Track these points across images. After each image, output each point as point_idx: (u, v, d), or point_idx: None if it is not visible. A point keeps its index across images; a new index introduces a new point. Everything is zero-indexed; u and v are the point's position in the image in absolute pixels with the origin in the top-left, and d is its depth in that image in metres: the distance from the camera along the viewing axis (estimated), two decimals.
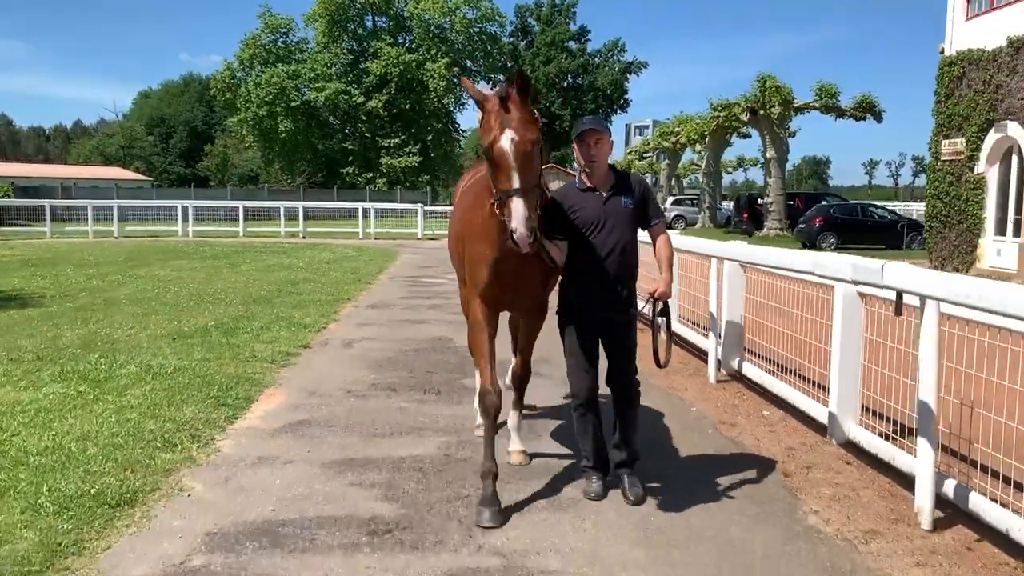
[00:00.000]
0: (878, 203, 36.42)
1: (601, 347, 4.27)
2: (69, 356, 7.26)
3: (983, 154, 18.19)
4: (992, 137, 17.87)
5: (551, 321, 4.42)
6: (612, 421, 4.30)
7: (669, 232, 4.41)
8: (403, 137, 64.79)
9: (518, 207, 3.44)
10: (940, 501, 3.94)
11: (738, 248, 6.68)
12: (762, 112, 29.81)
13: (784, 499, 4.23)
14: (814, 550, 3.60)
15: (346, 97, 62.95)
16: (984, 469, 3.92)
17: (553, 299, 4.36)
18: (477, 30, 68.33)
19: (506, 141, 3.51)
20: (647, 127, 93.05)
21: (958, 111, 18.95)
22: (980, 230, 18.54)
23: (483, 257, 4.04)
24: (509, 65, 73.26)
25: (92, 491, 3.98)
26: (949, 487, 3.93)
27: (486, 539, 3.66)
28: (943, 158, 19.62)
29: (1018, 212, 17.32)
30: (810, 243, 26.14)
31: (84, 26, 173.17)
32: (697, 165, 44.02)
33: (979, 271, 18.21)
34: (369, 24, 67.50)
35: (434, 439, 5.12)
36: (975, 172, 18.50)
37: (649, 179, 64.24)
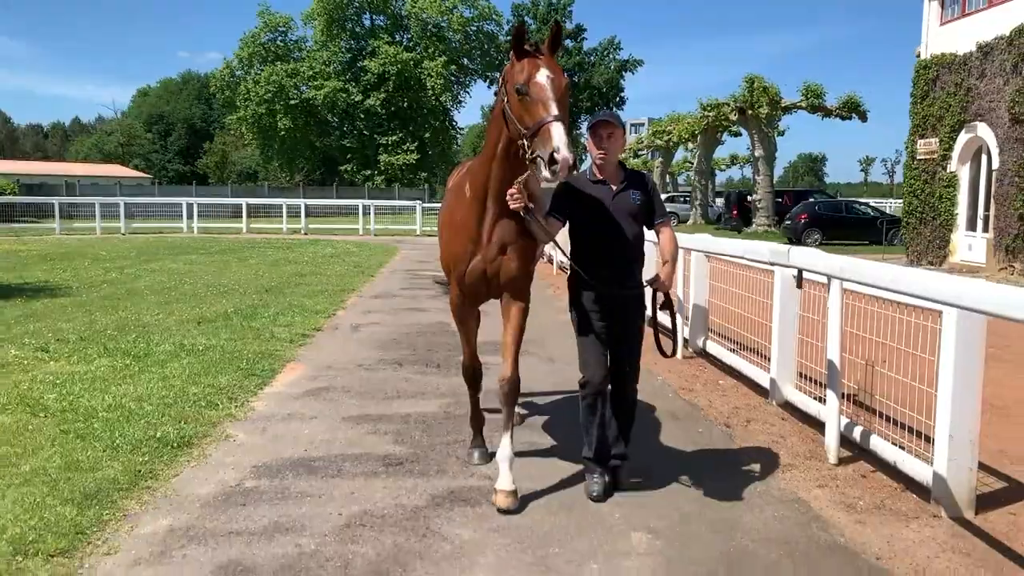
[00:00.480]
0: (862, 200, 37.38)
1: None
2: (108, 337, 8.15)
3: (955, 153, 19.11)
4: (963, 137, 18.79)
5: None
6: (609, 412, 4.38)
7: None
8: (401, 135, 65.44)
9: (558, 129, 3.46)
10: (847, 443, 4.86)
11: (702, 239, 7.59)
12: (750, 112, 30.73)
13: (723, 443, 5.15)
14: (740, 477, 4.51)
15: (344, 95, 63.62)
16: (883, 416, 4.83)
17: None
18: (474, 29, 68.98)
19: (543, 76, 3.58)
20: (643, 125, 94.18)
21: (932, 112, 19.87)
22: (952, 226, 19.47)
23: (463, 248, 4.15)
24: (506, 63, 74.06)
25: (156, 436, 4.88)
26: (856, 432, 4.85)
27: (478, 469, 4.56)
28: (919, 157, 20.54)
29: (986, 209, 18.24)
30: (796, 239, 27.06)
31: (81, 24, 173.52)
32: (690, 163, 44.91)
33: (951, 265, 19.16)
34: (367, 23, 68.10)
35: (435, 401, 6.03)
36: (948, 171, 19.43)
37: None
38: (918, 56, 20.84)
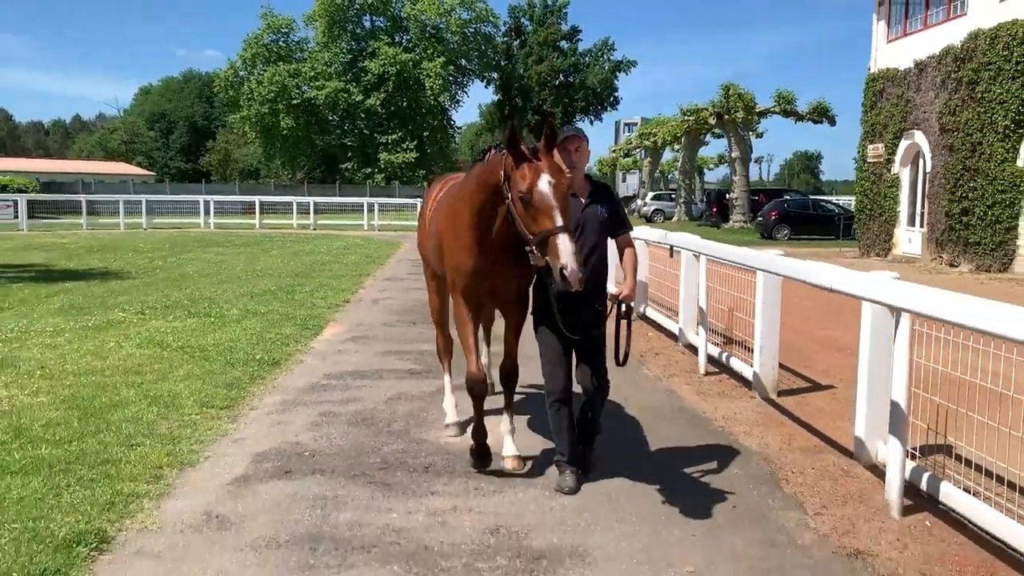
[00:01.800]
0: (828, 198, 39.93)
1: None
2: (185, 306, 10.54)
3: (897, 157, 21.56)
4: (904, 143, 21.23)
5: None
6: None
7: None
8: (400, 133, 67.43)
9: (565, 243, 3.61)
10: (714, 363, 7.30)
11: (644, 231, 10.02)
12: (727, 117, 33.15)
13: (636, 365, 7.57)
14: (640, 382, 6.93)
15: (345, 95, 65.64)
16: (735, 343, 7.28)
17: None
18: (472, 30, 71.01)
19: (544, 184, 3.70)
20: (636, 124, 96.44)
21: (879, 120, 22.31)
22: (896, 222, 21.93)
23: (465, 265, 4.32)
24: (503, 64, 76.15)
25: (256, 358, 7.31)
26: (719, 354, 7.28)
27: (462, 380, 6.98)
28: (868, 160, 22.99)
29: (922, 206, 20.67)
30: (767, 234, 29.53)
31: (79, 21, 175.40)
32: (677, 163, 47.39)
33: (895, 256, 21.62)
34: (367, 24, 69.96)
35: None
36: (891, 173, 21.88)
37: (635, 175, 67.51)
38: (869, 70, 23.27)
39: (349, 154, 69.28)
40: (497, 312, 5.39)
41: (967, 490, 3.93)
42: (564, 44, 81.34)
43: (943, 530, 3.93)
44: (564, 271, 3.58)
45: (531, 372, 5.33)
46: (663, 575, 3.43)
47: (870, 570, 3.52)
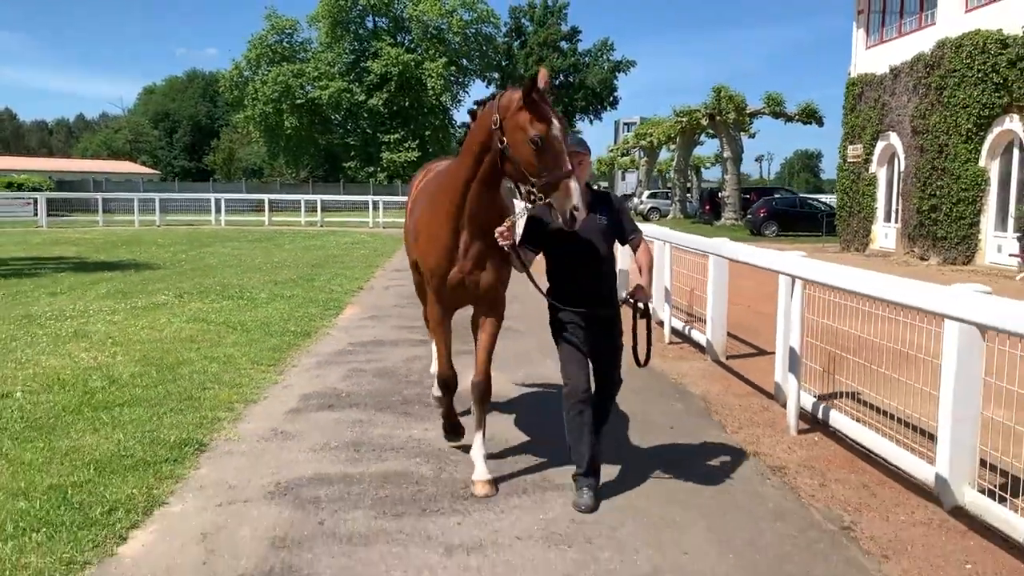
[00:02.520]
0: (815, 196, 41.26)
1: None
2: (217, 291, 11.85)
3: (875, 158, 22.86)
4: (880, 144, 22.53)
5: None
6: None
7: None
8: (402, 133, 68.65)
9: (576, 186, 3.71)
10: (678, 335, 8.61)
11: None
12: (719, 118, 34.42)
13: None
14: None
15: (348, 95, 66.85)
16: (695, 318, 8.59)
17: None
18: (473, 31, 72.16)
19: (557, 130, 3.75)
20: (635, 123, 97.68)
21: (858, 123, 23.60)
22: (873, 218, 23.23)
23: (440, 260, 4.27)
24: (504, 64, 77.34)
25: (290, 330, 8.64)
26: (684, 328, 8.59)
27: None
28: (848, 160, 24.28)
29: (897, 204, 21.97)
30: (756, 230, 30.81)
31: (80, 20, 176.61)
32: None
33: (872, 251, 22.92)
34: (370, 25, 71.13)
35: None
36: (869, 172, 23.17)
37: (633, 174, 68.71)
38: (849, 74, 24.55)
39: (352, 153, 70.50)
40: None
41: (849, 415, 5.25)
42: (564, 44, 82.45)
43: (825, 443, 5.25)
44: (575, 212, 3.68)
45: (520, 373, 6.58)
46: (621, 455, 4.74)
47: (763, 463, 4.84)
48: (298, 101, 66.53)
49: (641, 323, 4.43)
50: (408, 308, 10.79)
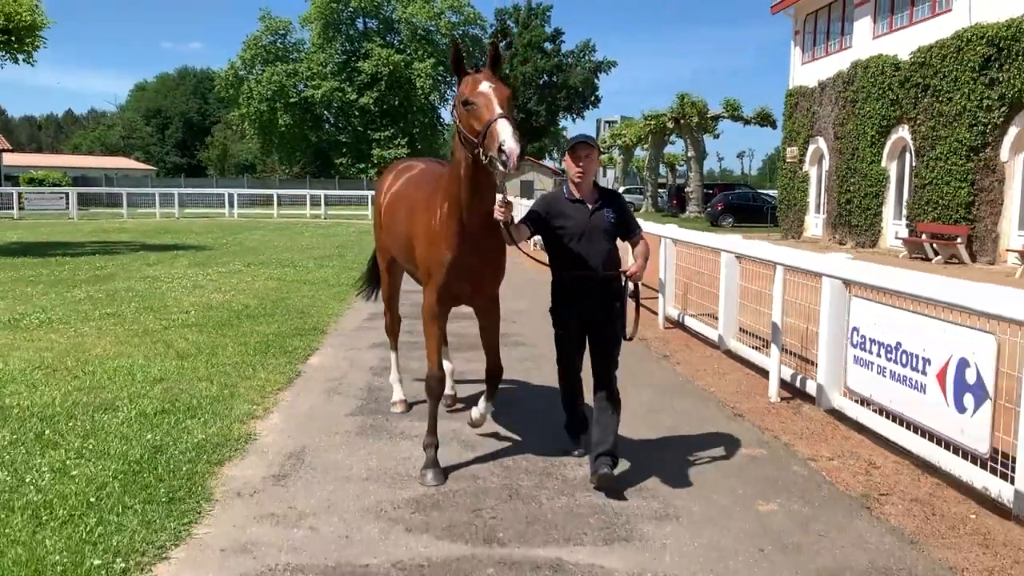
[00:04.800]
0: (767, 191, 45.27)
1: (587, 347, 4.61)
2: (273, 263, 15.49)
3: (807, 158, 26.78)
4: (811, 147, 26.44)
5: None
6: (591, 424, 4.61)
7: None
8: (392, 130, 71.65)
9: (503, 125, 3.65)
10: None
11: None
12: (683, 121, 38.29)
13: None
14: None
15: (340, 94, 69.84)
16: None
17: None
18: (460, 32, 75.16)
19: (485, 86, 3.86)
20: (615, 122, 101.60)
21: (794, 128, 27.51)
22: (806, 210, 27.16)
23: (441, 256, 4.30)
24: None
25: (342, 283, 12.37)
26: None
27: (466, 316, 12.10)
28: (787, 160, 28.19)
29: (823, 197, 25.90)
30: (714, 222, 34.70)
31: (67, 16, 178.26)
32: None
33: (804, 239, 26.83)
34: (360, 26, 74.03)
35: None
36: (803, 171, 27.09)
37: (611, 171, 72.51)
38: (788, 86, 28.46)
39: (344, 150, 73.37)
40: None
41: (696, 319, 9.05)
42: (548, 46, 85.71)
43: (797, 407, 9.04)
44: (503, 146, 3.59)
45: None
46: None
47: (681, 367, 8.60)
48: (291, 100, 69.33)
49: (631, 301, 4.57)
50: None
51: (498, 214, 4.08)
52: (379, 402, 6.22)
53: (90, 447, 4.82)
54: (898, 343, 5.10)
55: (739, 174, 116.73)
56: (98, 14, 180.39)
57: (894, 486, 4.57)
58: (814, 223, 26.82)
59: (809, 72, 26.86)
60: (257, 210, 40.60)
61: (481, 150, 3.77)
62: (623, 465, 4.62)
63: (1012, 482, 4.05)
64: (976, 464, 4.36)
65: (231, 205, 38.17)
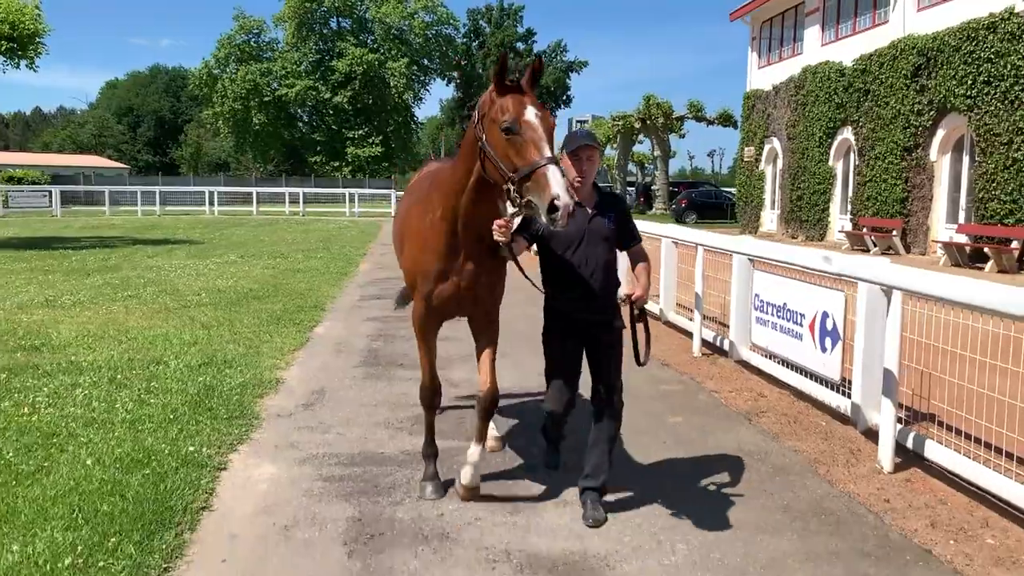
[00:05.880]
0: (728, 189, 47.15)
1: (585, 361, 4.16)
2: (265, 255, 16.78)
3: (763, 158, 28.47)
4: (767, 147, 28.14)
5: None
6: (589, 438, 4.21)
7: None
8: (366, 129, 72.72)
9: (555, 174, 3.27)
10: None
11: None
12: (649, 122, 39.93)
13: None
14: None
15: (314, 92, 70.67)
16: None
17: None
18: (433, 32, 76.34)
19: (532, 114, 3.40)
20: (586, 121, 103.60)
21: (752, 129, 29.20)
22: (762, 207, 28.86)
23: (430, 266, 3.97)
24: (463, 64, 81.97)
25: (333, 271, 13.75)
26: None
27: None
28: (745, 159, 29.88)
29: (777, 194, 27.61)
30: (678, 218, 36.30)
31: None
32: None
33: (760, 234, 28.49)
34: (334, 25, 74.94)
35: None
36: (759, 169, 28.78)
37: None
38: (746, 89, 30.14)
39: (318, 148, 74.23)
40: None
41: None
42: (520, 45, 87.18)
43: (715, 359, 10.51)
44: (556, 201, 3.19)
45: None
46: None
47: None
48: (265, 98, 70.01)
49: (639, 325, 4.14)
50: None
51: (499, 235, 3.67)
52: (377, 358, 7.61)
53: (155, 387, 6.18)
54: (785, 304, 6.60)
55: (710, 172, 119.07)
56: (65, 9, 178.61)
57: (773, 407, 6.08)
58: (769, 219, 28.53)
59: (765, 76, 28.56)
60: (236, 208, 41.59)
61: (513, 188, 3.38)
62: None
63: (850, 397, 5.56)
64: (832, 389, 5.87)
65: (211, 203, 39.09)
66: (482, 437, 4.28)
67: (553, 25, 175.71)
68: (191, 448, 4.81)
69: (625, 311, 4.15)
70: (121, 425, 5.23)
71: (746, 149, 29.77)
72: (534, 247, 4.15)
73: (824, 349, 5.95)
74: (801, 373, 6.31)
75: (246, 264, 14.95)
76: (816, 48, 24.78)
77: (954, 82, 17.96)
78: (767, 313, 6.94)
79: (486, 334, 4.25)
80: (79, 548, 3.50)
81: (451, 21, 77.81)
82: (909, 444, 4.89)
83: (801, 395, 6.27)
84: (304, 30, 72.37)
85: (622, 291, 4.17)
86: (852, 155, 22.84)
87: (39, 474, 4.37)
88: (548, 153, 3.35)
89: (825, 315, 5.95)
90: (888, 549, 3.81)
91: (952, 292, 4.31)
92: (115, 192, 41.39)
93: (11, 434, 5.01)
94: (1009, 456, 4.35)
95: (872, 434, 5.17)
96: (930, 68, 18.87)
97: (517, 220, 3.79)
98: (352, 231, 26.66)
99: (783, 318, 6.62)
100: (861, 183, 21.72)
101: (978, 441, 4.62)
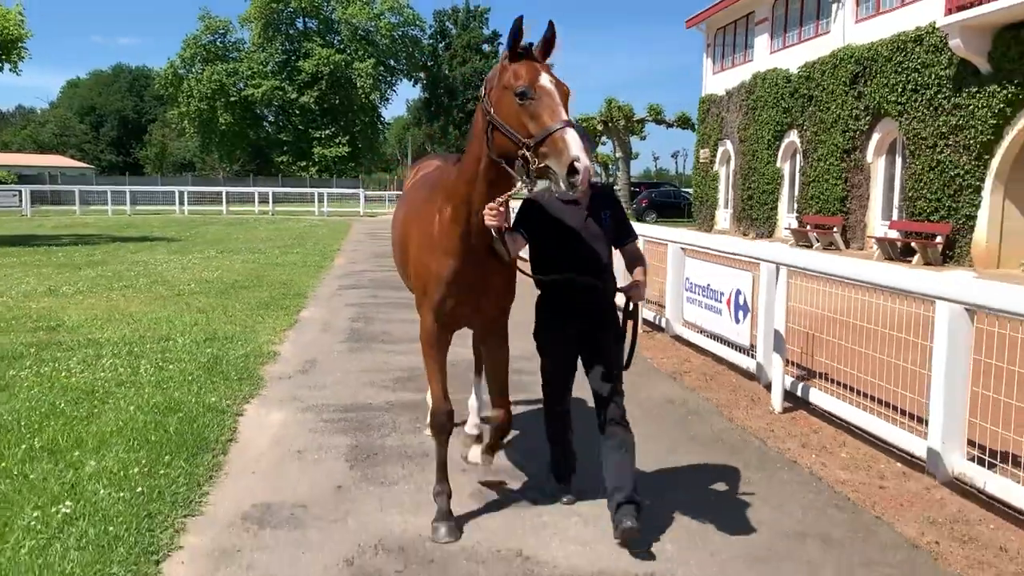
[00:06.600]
0: (686, 189, 48.80)
1: (582, 370, 4.03)
2: (243, 251, 17.65)
3: (717, 159, 29.90)
4: (720, 149, 29.56)
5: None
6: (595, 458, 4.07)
7: None
8: (333, 129, 73.26)
9: (573, 136, 3.09)
10: None
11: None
12: (611, 124, 41.20)
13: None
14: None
15: (281, 93, 70.97)
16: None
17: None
18: (400, 33, 76.94)
19: (546, 79, 3.24)
20: None
21: (706, 132, 30.61)
22: (716, 206, 30.29)
23: (439, 269, 3.69)
24: (429, 65, 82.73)
25: (312, 264, 14.74)
26: None
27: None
28: (700, 160, 31.30)
29: (730, 194, 29.05)
30: (639, 218, 37.65)
31: None
32: None
33: (716, 231, 29.91)
34: (300, 26, 75.28)
35: None
36: (714, 170, 30.21)
37: None
38: (701, 93, 31.57)
39: (284, 148, 74.53)
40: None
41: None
42: (486, 47, 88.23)
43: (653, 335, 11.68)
44: (576, 163, 3.01)
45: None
46: None
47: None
48: (232, 99, 70.17)
49: (629, 324, 4.02)
50: (373, 259, 16.99)
51: (490, 218, 3.46)
52: (360, 336, 8.67)
53: (169, 357, 7.17)
54: (708, 284, 7.79)
55: (674, 173, 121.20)
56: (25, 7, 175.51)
57: (696, 369, 7.27)
58: (723, 217, 29.96)
59: (719, 81, 29.98)
60: (205, 207, 42.09)
61: (530, 154, 3.16)
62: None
63: (755, 358, 6.76)
64: (743, 352, 7.06)
65: (181, 202, 39.59)
66: (491, 448, 4.25)
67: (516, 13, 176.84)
68: (212, 399, 5.84)
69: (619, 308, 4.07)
70: (148, 384, 6.23)
71: (701, 151, 31.18)
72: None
73: (737, 320, 7.14)
74: (721, 342, 7.50)
75: (227, 259, 15.83)
76: (765, 56, 26.22)
77: (887, 89, 19.42)
78: (695, 293, 8.13)
79: (495, 341, 4.02)
80: (142, 462, 4.53)
81: (417, 22, 78.42)
82: (799, 392, 6.09)
83: (720, 360, 7.46)
84: (270, 30, 72.64)
85: (623, 284, 4.04)
86: (798, 157, 24.27)
87: (91, 418, 5.38)
88: (565, 116, 3.17)
89: (738, 292, 7.14)
90: (765, 461, 5.00)
91: (820, 265, 5.52)
92: (84, 192, 41.64)
93: (57, 391, 5.99)
94: (872, 398, 5.55)
95: (771, 387, 6.37)
96: (866, 76, 20.33)
97: (522, 196, 3.63)
98: (323, 229, 27.53)
99: (707, 297, 7.81)
100: (805, 183, 23.17)
101: (848, 388, 5.83)
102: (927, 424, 4.73)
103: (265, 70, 71.66)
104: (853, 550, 3.80)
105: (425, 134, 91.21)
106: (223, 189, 41.83)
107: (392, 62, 77.92)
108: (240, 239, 21.60)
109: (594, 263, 3.88)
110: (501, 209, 3.49)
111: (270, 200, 40.19)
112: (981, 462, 4.51)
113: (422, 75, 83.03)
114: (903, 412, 5.17)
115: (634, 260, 4.03)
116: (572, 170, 3.03)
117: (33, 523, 3.73)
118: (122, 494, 4.08)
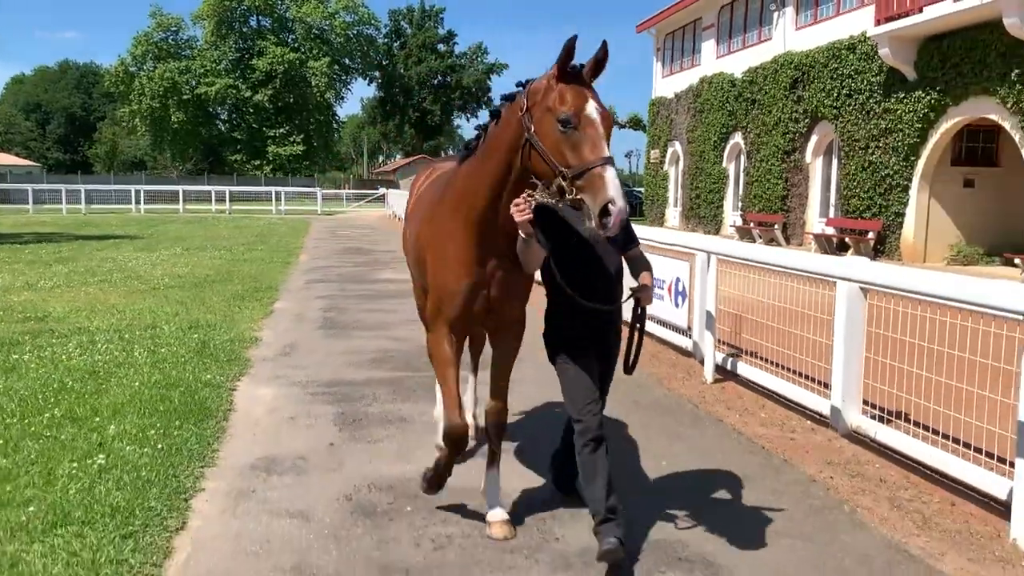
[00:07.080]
0: (639, 188, 50.14)
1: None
2: (208, 247, 18.06)
3: (667, 159, 31.01)
4: (670, 150, 30.68)
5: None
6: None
7: None
8: (288, 128, 72.99)
9: (612, 176, 3.05)
10: None
11: None
12: None
13: None
14: None
15: (234, 91, 70.52)
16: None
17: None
18: (355, 32, 77.02)
19: (593, 109, 3.14)
20: None
21: (656, 133, 31.71)
22: (666, 205, 31.42)
23: (460, 285, 3.61)
24: (384, 63, 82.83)
25: (279, 260, 15.28)
26: None
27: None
28: (650, 161, 32.38)
29: (678, 193, 30.18)
30: None
31: None
32: None
33: (666, 227, 31.02)
34: (254, 24, 74.83)
35: (376, 240, 16.57)
36: (664, 170, 31.32)
37: None
38: (652, 96, 32.66)
39: (238, 147, 74.02)
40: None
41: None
42: (441, 47, 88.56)
43: None
44: (610, 205, 2.98)
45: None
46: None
47: None
48: (184, 97, 69.52)
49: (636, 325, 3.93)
50: (336, 255, 17.58)
51: (519, 214, 3.36)
52: (333, 324, 9.33)
53: (159, 342, 7.78)
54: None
55: (628, 172, 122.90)
56: None
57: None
58: (672, 215, 31.08)
59: (668, 84, 31.10)
60: (161, 206, 41.98)
61: (565, 184, 3.11)
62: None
63: (691, 338, 7.62)
64: (681, 334, 7.93)
65: (136, 201, 39.47)
66: (493, 462, 4.02)
67: (473, 27, 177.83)
68: (208, 376, 6.49)
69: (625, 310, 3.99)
70: (146, 365, 6.84)
71: (652, 152, 32.27)
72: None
73: (677, 305, 8.00)
74: (664, 325, 8.35)
75: (194, 256, 16.28)
76: (712, 60, 27.36)
77: (823, 94, 20.62)
78: None
79: (507, 340, 3.98)
80: (156, 426, 5.19)
81: (372, 21, 78.71)
82: (728, 366, 6.96)
83: (663, 341, 8.31)
84: (223, 28, 72.09)
85: (634, 284, 3.94)
86: (742, 158, 25.43)
87: (100, 393, 5.99)
88: (606, 152, 3.10)
89: (678, 279, 8.00)
90: (696, 420, 5.85)
91: (742, 253, 6.39)
92: (36, 190, 41.25)
93: (63, 371, 6.58)
94: (789, 369, 6.43)
95: (704, 361, 7.24)
96: (805, 81, 21.51)
97: (536, 199, 3.51)
98: (283, 227, 27.92)
99: (654, 284, 8.65)
100: (749, 182, 24.33)
101: (768, 361, 6.71)
102: (831, 387, 5.61)
103: (218, 68, 71.16)
104: (763, 484, 4.64)
105: (380, 133, 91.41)
106: (179, 188, 41.78)
107: (347, 61, 77.92)
108: (202, 236, 21.95)
109: (605, 268, 3.81)
110: (527, 204, 3.39)
111: (227, 199, 40.26)
112: (875, 417, 5.40)
113: (377, 74, 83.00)
114: (813, 380, 6.05)
115: (640, 265, 4.02)
116: (605, 211, 3.01)
117: (74, 471, 4.38)
118: (145, 450, 4.74)
